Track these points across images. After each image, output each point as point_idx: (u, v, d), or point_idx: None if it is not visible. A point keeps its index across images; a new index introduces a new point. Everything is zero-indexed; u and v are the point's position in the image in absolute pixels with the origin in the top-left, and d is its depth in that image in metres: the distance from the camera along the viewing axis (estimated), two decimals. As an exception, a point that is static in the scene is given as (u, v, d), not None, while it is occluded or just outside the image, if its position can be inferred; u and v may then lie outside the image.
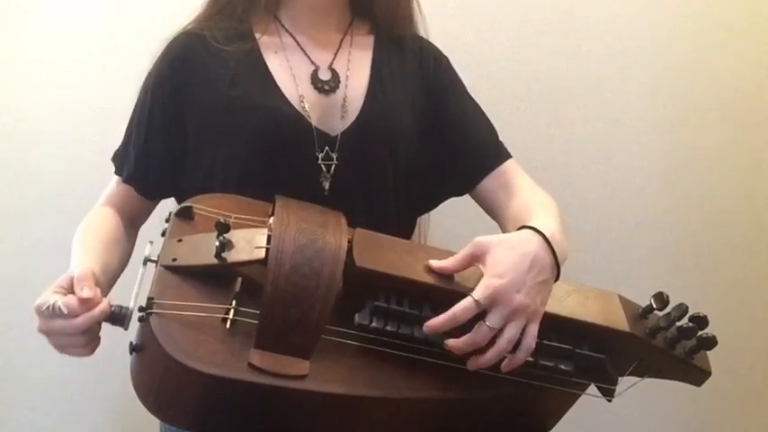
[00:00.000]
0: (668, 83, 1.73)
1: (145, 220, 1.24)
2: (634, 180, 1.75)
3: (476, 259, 0.95)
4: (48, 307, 0.89)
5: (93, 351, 0.94)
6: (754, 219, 1.77)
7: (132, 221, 1.21)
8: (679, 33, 1.71)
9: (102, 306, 0.90)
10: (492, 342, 0.91)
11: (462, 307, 0.90)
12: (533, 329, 0.93)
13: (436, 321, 0.90)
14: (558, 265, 0.96)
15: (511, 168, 1.22)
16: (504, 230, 1.17)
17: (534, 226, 0.97)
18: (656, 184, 1.75)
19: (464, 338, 0.90)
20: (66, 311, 0.88)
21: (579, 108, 1.72)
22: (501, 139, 1.27)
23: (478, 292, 0.90)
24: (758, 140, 1.76)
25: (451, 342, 0.91)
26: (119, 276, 1.11)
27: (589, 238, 1.72)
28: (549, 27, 1.70)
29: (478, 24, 1.69)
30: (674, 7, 1.71)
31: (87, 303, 0.89)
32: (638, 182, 1.75)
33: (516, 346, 0.92)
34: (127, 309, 0.91)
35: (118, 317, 0.91)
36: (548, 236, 0.96)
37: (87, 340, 0.92)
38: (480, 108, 1.27)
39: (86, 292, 0.90)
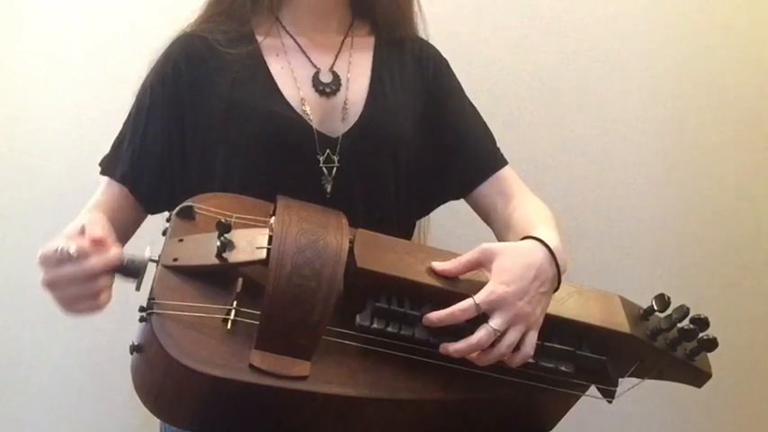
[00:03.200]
0: (668, 83, 1.73)
1: (133, 231, 1.16)
2: (634, 180, 1.75)
3: (481, 265, 0.95)
4: (56, 250, 0.82)
5: (104, 304, 0.87)
6: (753, 219, 1.77)
7: (122, 229, 1.09)
8: (679, 33, 1.72)
9: (116, 250, 0.85)
10: (492, 346, 0.92)
11: (462, 307, 0.90)
12: (533, 338, 0.93)
13: (435, 315, 0.91)
14: (559, 277, 0.97)
15: (507, 175, 1.23)
16: (498, 236, 1.19)
17: (539, 237, 0.98)
18: (656, 184, 1.75)
19: (466, 340, 0.90)
20: (75, 255, 0.82)
21: (579, 108, 1.72)
22: (501, 139, 1.27)
23: (481, 296, 0.91)
24: (758, 140, 1.76)
25: (453, 345, 0.91)
26: None
27: (589, 238, 1.72)
28: (549, 27, 1.70)
29: (478, 24, 1.68)
30: (674, 7, 1.71)
31: (100, 245, 0.84)
32: (638, 182, 1.75)
33: (515, 351, 0.93)
34: (141, 261, 0.86)
35: (131, 269, 0.86)
36: (552, 248, 0.97)
37: (100, 288, 0.85)
38: (478, 113, 1.27)
39: (99, 231, 0.84)
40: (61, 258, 0.83)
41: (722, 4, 1.72)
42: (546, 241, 0.98)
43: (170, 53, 1.16)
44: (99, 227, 0.87)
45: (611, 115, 1.73)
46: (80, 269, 0.83)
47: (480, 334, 0.90)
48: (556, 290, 0.98)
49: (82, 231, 0.87)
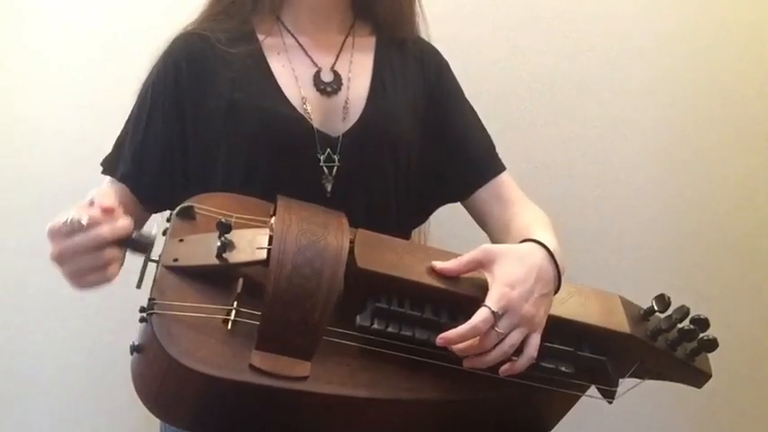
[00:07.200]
0: (668, 83, 1.73)
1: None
2: (634, 180, 1.75)
3: (481, 266, 0.95)
4: (66, 221, 0.81)
5: (113, 276, 0.85)
6: (754, 219, 1.77)
7: None
8: (679, 33, 1.72)
9: (127, 221, 0.83)
10: (494, 346, 0.91)
11: (482, 318, 0.89)
12: (536, 340, 0.93)
13: (454, 334, 0.89)
14: (559, 279, 0.98)
15: (505, 181, 1.23)
16: (493, 241, 1.18)
17: (538, 240, 0.99)
18: (656, 184, 1.75)
19: (471, 340, 0.90)
20: (86, 224, 0.81)
21: (579, 108, 1.72)
22: (501, 139, 1.27)
23: (494, 302, 0.90)
24: (758, 140, 1.76)
25: (457, 344, 0.91)
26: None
27: (589, 238, 1.72)
28: (549, 27, 1.70)
29: (478, 24, 1.68)
30: (674, 7, 1.71)
31: (110, 214, 0.82)
32: (638, 182, 1.75)
33: (517, 352, 0.93)
34: (149, 236, 0.85)
35: (140, 243, 0.85)
36: (551, 249, 0.98)
37: (109, 258, 0.83)
38: (478, 117, 1.27)
39: (108, 200, 0.83)
40: (71, 229, 0.82)
41: (722, 4, 1.72)
42: (545, 243, 0.98)
43: (171, 52, 1.16)
44: (108, 197, 0.85)
45: (611, 115, 1.73)
46: (90, 238, 0.82)
47: (485, 339, 0.90)
48: (556, 291, 0.98)
49: (91, 203, 0.85)
